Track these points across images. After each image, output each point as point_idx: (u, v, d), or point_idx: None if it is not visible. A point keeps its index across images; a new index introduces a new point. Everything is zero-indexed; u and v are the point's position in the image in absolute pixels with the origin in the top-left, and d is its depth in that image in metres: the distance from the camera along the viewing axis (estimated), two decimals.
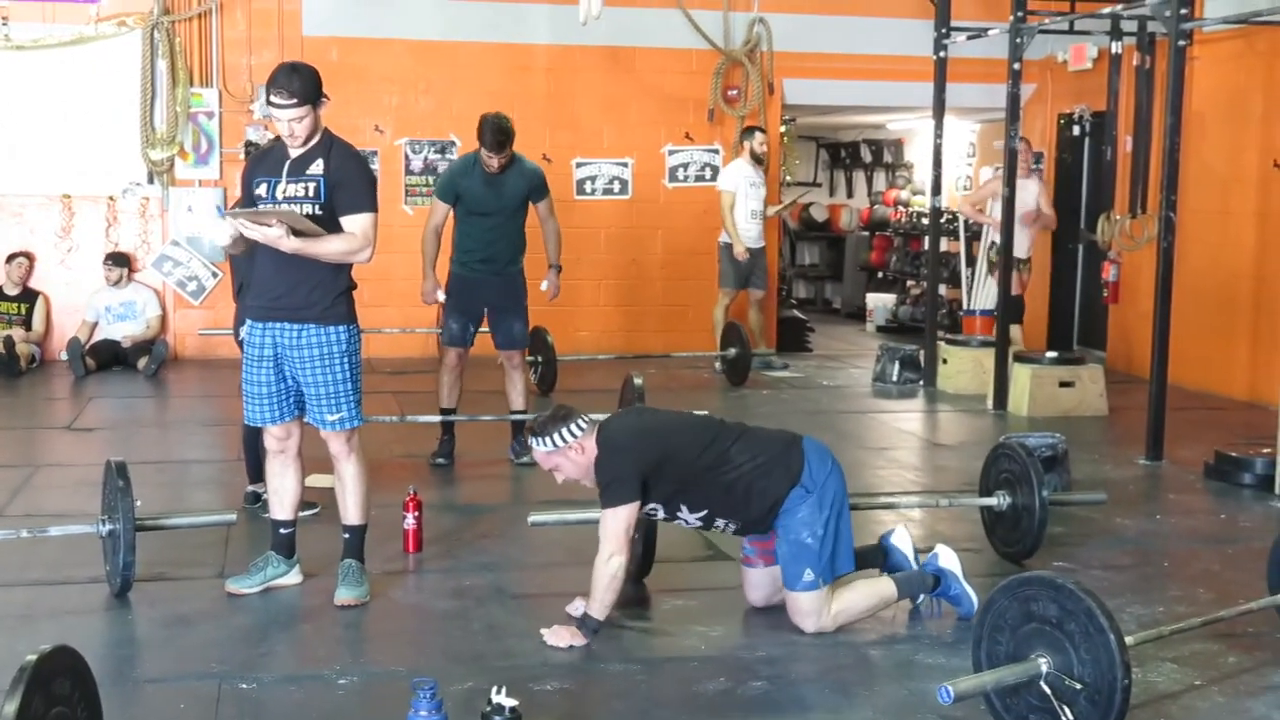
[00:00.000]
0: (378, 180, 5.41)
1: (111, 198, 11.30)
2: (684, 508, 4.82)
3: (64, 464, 7.57)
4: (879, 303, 15.11)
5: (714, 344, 10.99)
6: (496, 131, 7.34)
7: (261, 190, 5.01)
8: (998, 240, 10.09)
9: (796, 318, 13.39)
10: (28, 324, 11.00)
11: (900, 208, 15.86)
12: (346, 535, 5.22)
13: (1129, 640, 3.76)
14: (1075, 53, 11.84)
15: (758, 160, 10.97)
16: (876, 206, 16.50)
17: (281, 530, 5.26)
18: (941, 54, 10.46)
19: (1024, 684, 3.78)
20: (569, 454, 4.68)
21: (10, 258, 11.01)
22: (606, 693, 4.27)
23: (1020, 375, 9.36)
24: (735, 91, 12.24)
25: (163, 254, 11.33)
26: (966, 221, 12.54)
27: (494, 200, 7.44)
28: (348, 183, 4.98)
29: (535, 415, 4.78)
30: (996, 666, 3.86)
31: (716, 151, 12.29)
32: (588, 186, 12.10)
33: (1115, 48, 9.76)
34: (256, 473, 6.46)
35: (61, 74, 11.07)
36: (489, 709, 3.60)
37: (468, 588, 5.31)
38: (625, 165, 12.16)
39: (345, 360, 5.06)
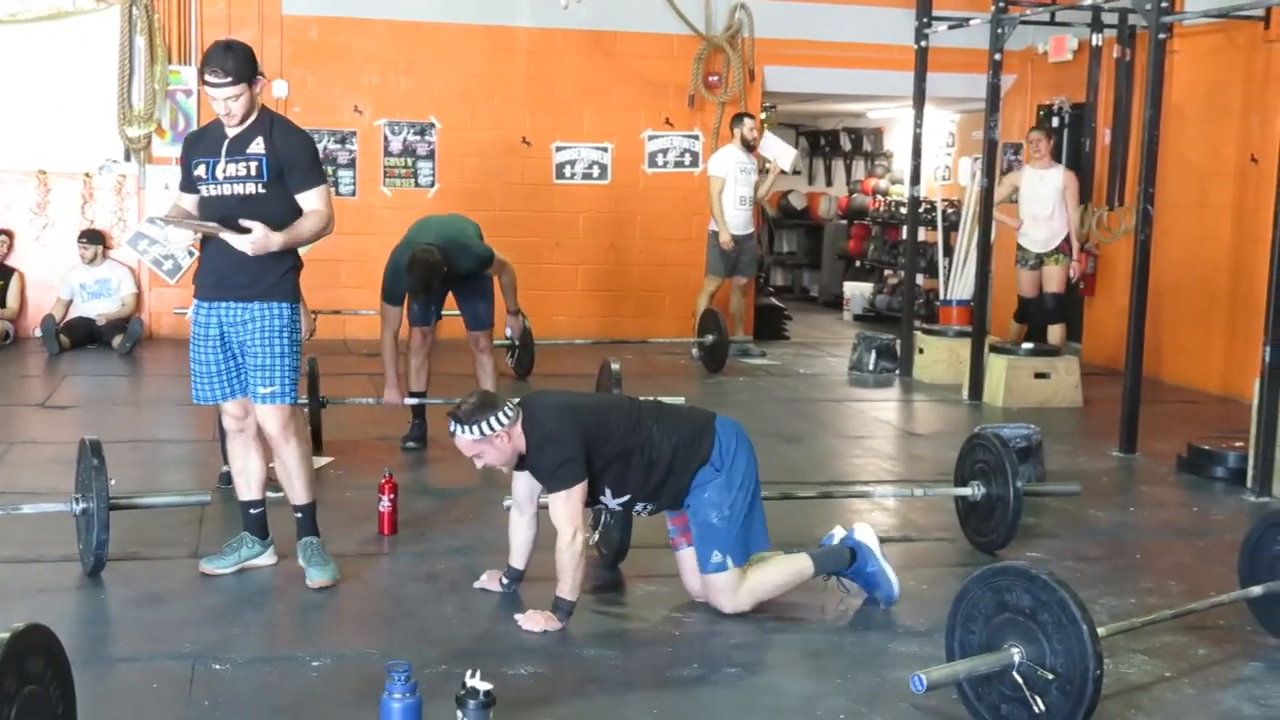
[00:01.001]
0: (319, 154, 5.37)
1: (88, 174, 11.24)
2: (608, 491, 4.80)
3: (38, 441, 7.52)
4: (856, 291, 15.14)
5: (692, 330, 10.99)
6: (424, 277, 7.12)
7: (200, 171, 4.92)
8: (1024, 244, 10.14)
9: (774, 305, 13.41)
10: (2, 301, 10.93)
11: (879, 196, 15.88)
12: (299, 515, 5.17)
13: (1101, 631, 3.79)
14: (1056, 44, 11.86)
15: (748, 146, 10.97)
16: (855, 195, 16.51)
17: (251, 511, 5.23)
18: (922, 43, 10.46)
19: (996, 674, 3.80)
20: (494, 442, 4.60)
21: None
22: (580, 677, 4.27)
23: (996, 366, 9.40)
24: (716, 78, 12.24)
25: (138, 232, 11.27)
26: (944, 211, 12.57)
27: (442, 286, 7.41)
28: (297, 161, 4.93)
29: (459, 400, 4.72)
30: (969, 656, 3.88)
31: (697, 138, 12.29)
32: (567, 171, 12.08)
33: (1096, 40, 9.80)
34: None
35: (39, 49, 10.99)
36: (463, 692, 3.60)
37: (442, 571, 5.31)
38: (605, 150, 12.14)
39: (285, 335, 5.00)
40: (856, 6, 12.26)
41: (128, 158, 11.24)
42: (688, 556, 4.94)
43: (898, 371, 10.58)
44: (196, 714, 3.90)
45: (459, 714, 3.56)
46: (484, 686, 3.59)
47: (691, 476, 4.77)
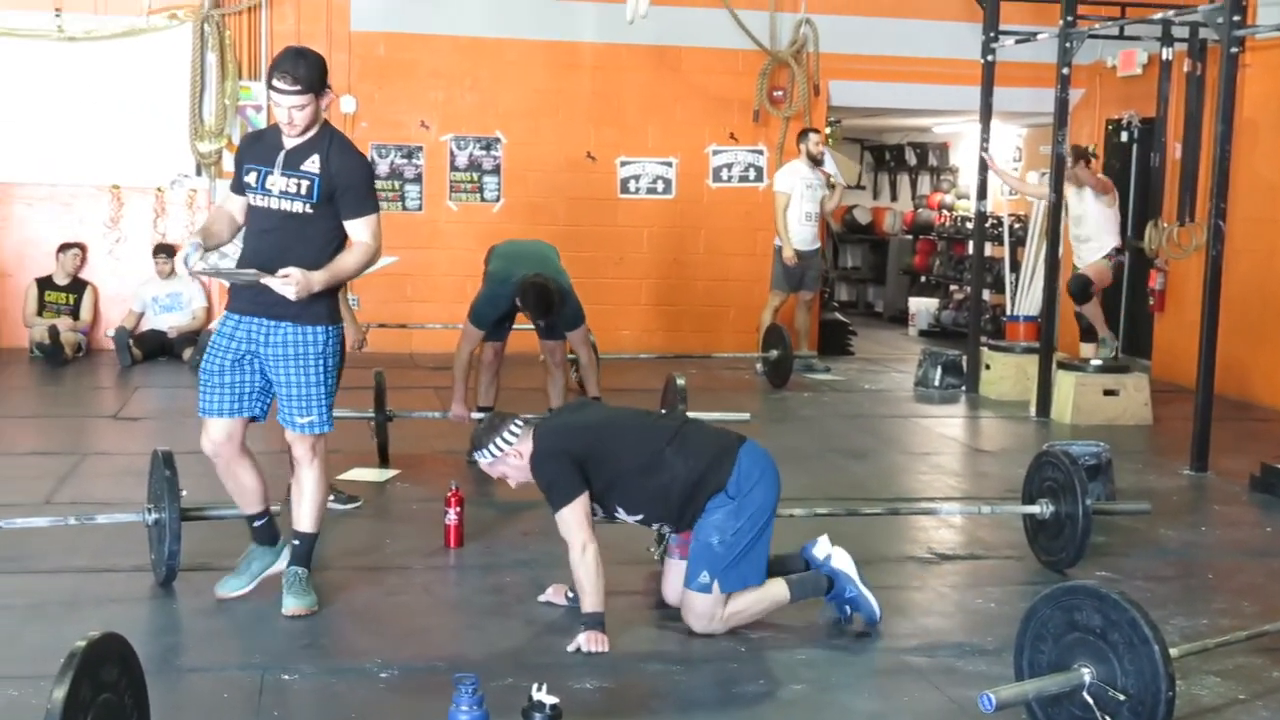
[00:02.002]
0: (375, 178, 5.28)
1: (160, 189, 11.40)
2: (620, 509, 4.81)
3: (110, 452, 7.63)
4: (921, 307, 15.06)
5: (756, 345, 10.97)
6: (540, 302, 7.22)
7: (251, 178, 4.77)
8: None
9: (839, 320, 13.36)
10: (75, 313, 11.11)
11: (944, 211, 15.79)
12: (296, 542, 4.99)
13: (1173, 652, 3.73)
14: (1124, 58, 11.75)
15: (814, 161, 10.95)
16: (920, 210, 16.43)
17: (256, 524, 5.10)
18: (989, 58, 10.39)
19: (1066, 694, 3.76)
20: (509, 459, 4.68)
21: (64, 248, 11.12)
22: (645, 691, 4.27)
23: (1064, 383, 9.31)
24: (781, 93, 12.23)
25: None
26: (1011, 226, 12.49)
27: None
28: (353, 185, 4.78)
29: (476, 426, 4.78)
30: (1039, 675, 3.84)
31: (761, 152, 12.28)
32: (631, 185, 12.11)
33: (1166, 54, 9.67)
34: None
35: (113, 66, 11.18)
36: (529, 705, 3.61)
37: (507, 584, 5.32)
38: (669, 165, 12.16)
39: (321, 362, 4.84)
40: (922, 21, 12.22)
41: (199, 172, 11.40)
42: (677, 566, 4.90)
43: (964, 388, 10.51)
44: None
45: None
46: (550, 700, 3.61)
47: (705, 501, 4.73)
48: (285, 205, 4.75)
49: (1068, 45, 9.16)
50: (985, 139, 10.58)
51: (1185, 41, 9.98)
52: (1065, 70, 9.17)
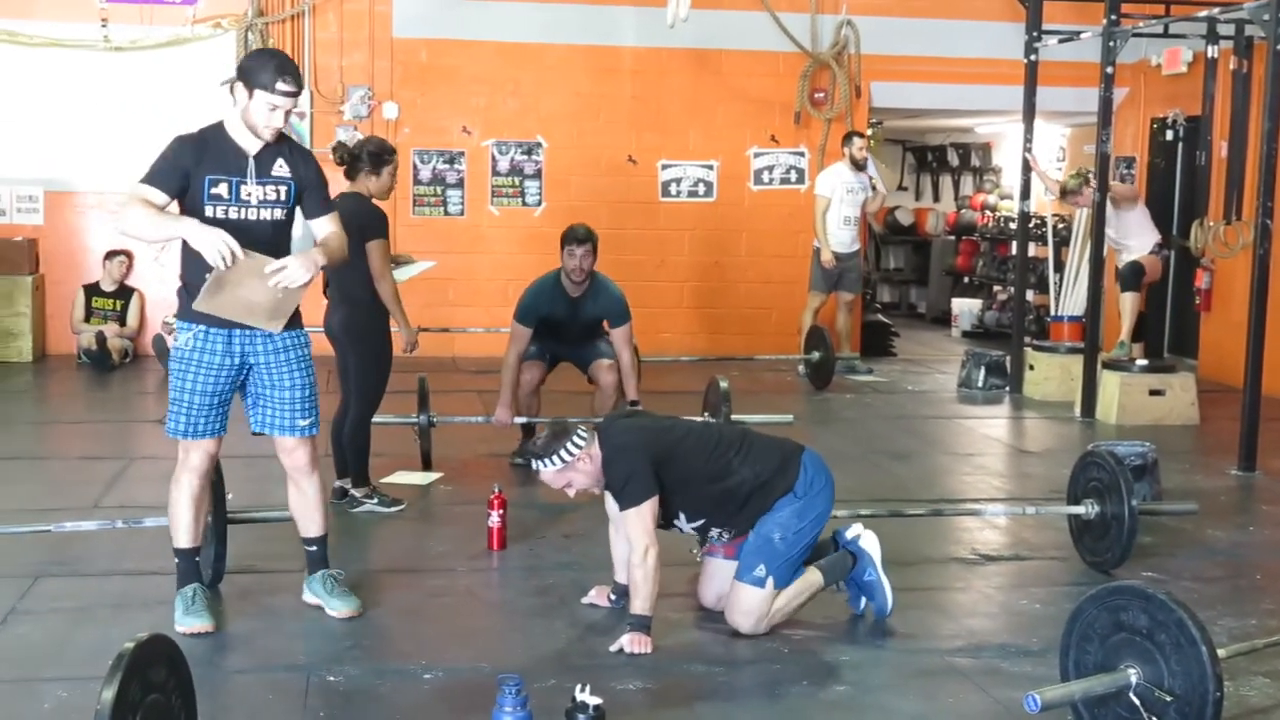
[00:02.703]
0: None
1: None
2: (682, 515, 4.83)
3: (157, 457, 7.66)
4: (964, 308, 14.99)
5: (798, 347, 10.95)
6: (583, 229, 7.34)
7: (221, 190, 4.59)
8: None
9: (881, 322, 13.32)
10: (122, 320, 11.21)
11: (987, 212, 15.70)
12: (314, 548, 4.98)
13: (1221, 653, 3.69)
14: (1169, 56, 11.67)
15: (857, 165, 10.93)
16: (963, 211, 16.35)
17: (198, 559, 4.92)
18: (1032, 57, 10.35)
19: (1112, 695, 3.73)
20: (578, 466, 4.67)
21: (110, 255, 11.23)
22: (688, 693, 4.27)
23: (1109, 383, 9.24)
24: (822, 94, 12.21)
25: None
26: (1055, 226, 12.40)
27: (572, 322, 7.46)
28: (318, 184, 4.80)
29: (533, 440, 4.77)
30: (1084, 676, 3.81)
31: (802, 154, 12.26)
32: (673, 189, 12.12)
33: (1211, 51, 9.58)
34: (343, 468, 6.56)
35: (158, 75, 11.29)
36: (572, 706, 3.63)
37: (551, 585, 5.34)
38: (710, 168, 12.16)
39: (311, 364, 4.87)
40: (964, 21, 12.17)
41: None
42: (721, 565, 4.93)
43: (1007, 389, 10.45)
44: None
45: None
46: (594, 701, 3.62)
47: (773, 502, 4.77)
48: (266, 214, 4.69)
49: (1111, 44, 9.10)
50: (1028, 139, 10.54)
51: (1231, 39, 9.89)
52: (1109, 69, 9.11)
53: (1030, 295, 12.90)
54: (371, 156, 6.47)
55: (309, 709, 4.06)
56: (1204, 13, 9.30)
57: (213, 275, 4.50)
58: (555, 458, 4.64)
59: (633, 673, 4.37)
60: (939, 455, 8.32)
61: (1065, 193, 10.01)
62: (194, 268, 4.61)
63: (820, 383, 10.41)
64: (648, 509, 4.62)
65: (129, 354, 11.10)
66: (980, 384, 10.56)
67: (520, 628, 4.90)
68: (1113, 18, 9.09)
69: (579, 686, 3.62)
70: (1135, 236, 9.63)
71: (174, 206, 4.66)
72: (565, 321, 7.44)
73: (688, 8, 10.05)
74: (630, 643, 4.54)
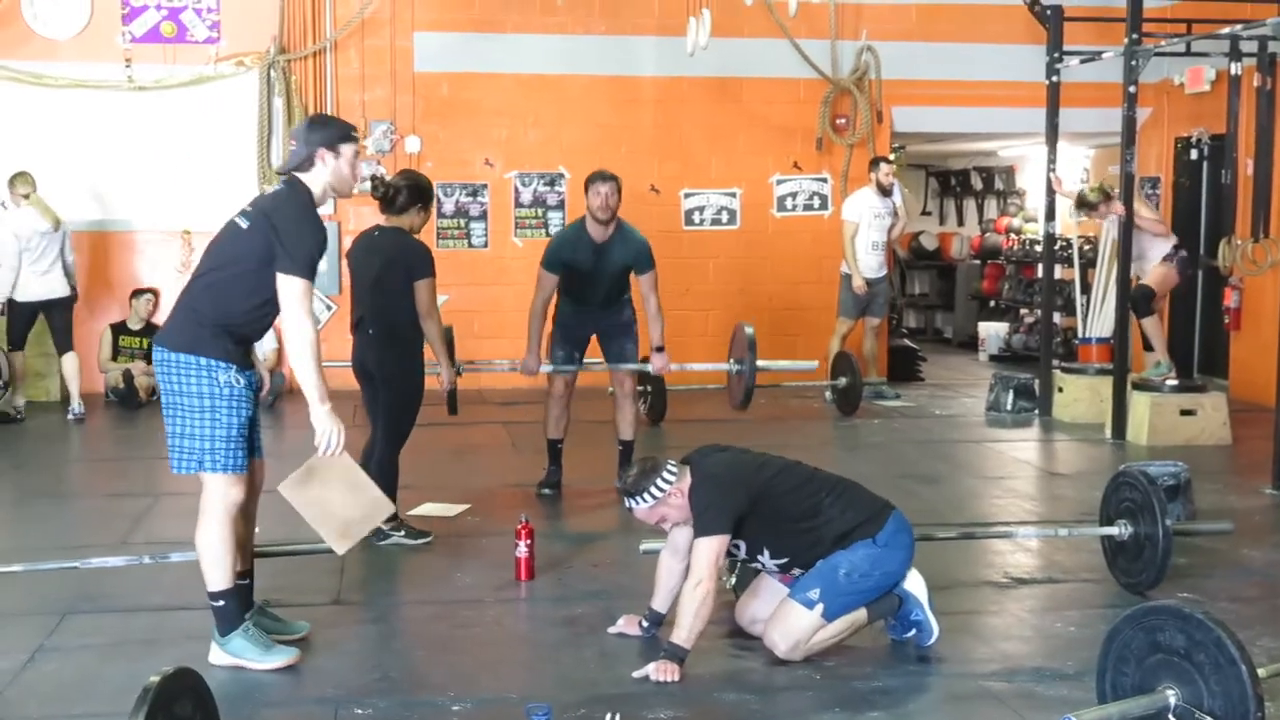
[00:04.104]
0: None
1: None
2: (766, 551, 4.81)
3: (185, 493, 7.63)
4: (991, 331, 14.91)
5: (825, 373, 10.90)
6: (602, 176, 7.45)
7: None
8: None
9: (908, 347, 13.26)
10: (149, 358, 11.22)
11: (1012, 235, 15.64)
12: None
13: (1261, 673, 3.62)
14: (1192, 75, 11.62)
15: (883, 191, 10.91)
16: (988, 234, 16.29)
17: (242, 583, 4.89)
18: (1054, 78, 10.32)
19: (1151, 717, 3.67)
20: (670, 500, 4.67)
21: (137, 293, 11.27)
22: None
23: (1139, 403, 9.17)
24: (844, 120, 12.20)
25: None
26: (1081, 248, 12.34)
27: (598, 270, 7.42)
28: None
29: (622, 475, 4.75)
30: (1122, 699, 3.75)
31: (825, 180, 12.25)
32: (696, 217, 12.11)
33: (1234, 69, 9.52)
34: None
35: (182, 113, 11.35)
36: None
37: (580, 615, 5.30)
38: (733, 195, 12.15)
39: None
40: (985, 45, 12.13)
41: None
42: (771, 585, 4.91)
43: (1036, 411, 10.39)
44: None
45: None
46: None
47: (850, 544, 4.75)
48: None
49: (1134, 63, 9.06)
50: (1052, 161, 10.51)
51: (1254, 56, 9.85)
52: (1132, 88, 9.07)
53: (1057, 318, 12.84)
54: (422, 192, 6.46)
55: None
56: (1226, 30, 9.23)
57: (308, 462, 4.66)
58: (647, 495, 4.64)
59: (663, 701, 4.32)
60: (969, 479, 8.26)
61: (1082, 204, 9.88)
62: (227, 306, 4.63)
63: (847, 409, 10.36)
64: (716, 544, 4.59)
65: (155, 393, 11.11)
66: (1009, 407, 10.49)
67: (549, 658, 4.87)
68: (1134, 36, 9.06)
69: (610, 715, 3.58)
70: (1151, 246, 9.51)
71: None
72: (592, 271, 7.38)
73: (708, 35, 10.06)
74: (657, 670, 4.50)
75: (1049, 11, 10.41)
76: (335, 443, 4.60)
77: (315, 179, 4.73)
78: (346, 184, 4.79)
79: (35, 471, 8.49)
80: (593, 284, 7.46)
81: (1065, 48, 10.33)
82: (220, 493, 4.70)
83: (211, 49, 11.36)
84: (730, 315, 12.15)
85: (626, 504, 4.71)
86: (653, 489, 4.63)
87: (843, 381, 10.41)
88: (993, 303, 15.90)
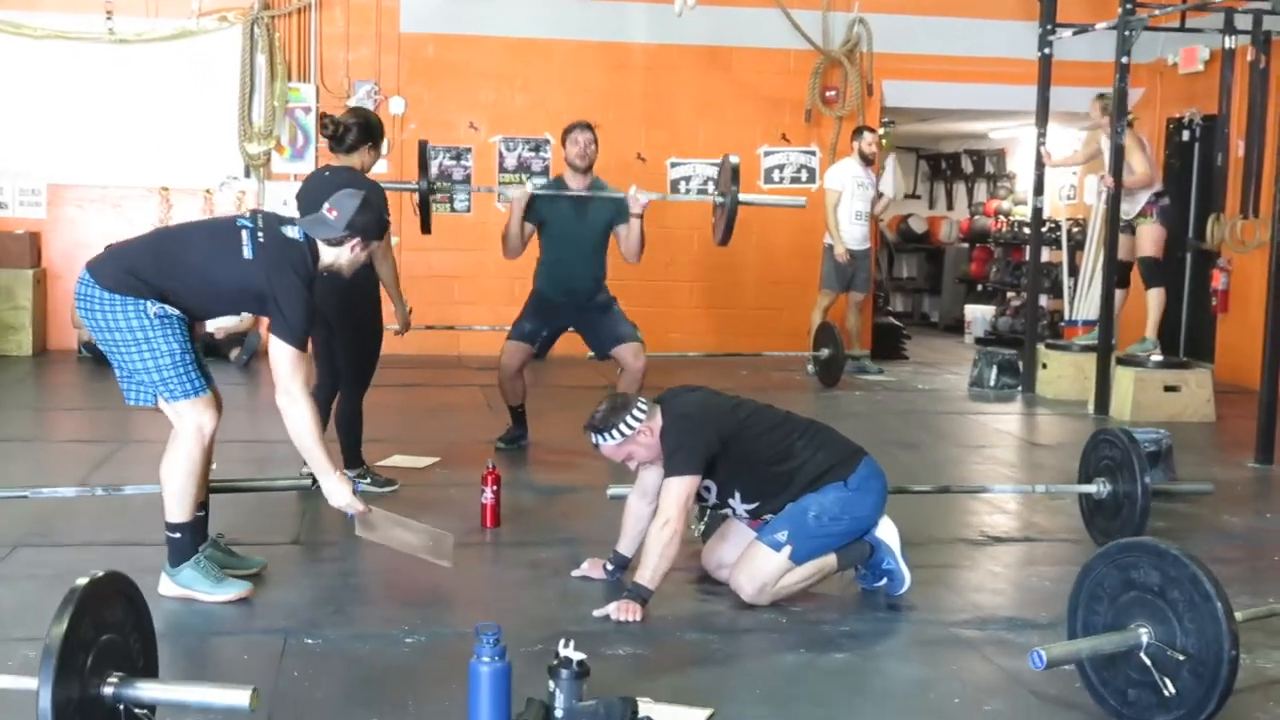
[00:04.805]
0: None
1: (208, 190, 11.36)
2: (738, 494, 4.70)
3: (151, 440, 7.49)
4: (978, 314, 14.79)
5: (808, 346, 10.78)
6: (580, 125, 7.39)
7: None
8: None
9: (892, 325, 13.14)
10: None
11: (1001, 217, 15.53)
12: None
13: (1237, 617, 3.51)
14: (1186, 55, 11.50)
15: (866, 160, 10.79)
16: (977, 217, 16.17)
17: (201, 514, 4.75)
18: (1046, 50, 10.21)
19: (1123, 656, 3.55)
20: (639, 439, 4.55)
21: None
22: (681, 659, 4.10)
23: (1123, 379, 9.06)
24: (834, 93, 12.06)
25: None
26: (1069, 230, 12.23)
27: (579, 227, 7.31)
28: None
29: (593, 411, 4.62)
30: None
31: (813, 153, 12.11)
32: (682, 186, 11.97)
33: (1229, 43, 9.42)
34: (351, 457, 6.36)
35: (163, 67, 11.18)
36: (556, 662, 3.46)
37: (544, 559, 5.18)
38: (720, 166, 11.98)
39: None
40: (977, 20, 12.01)
41: (247, 174, 11.36)
42: (739, 529, 4.80)
43: (1020, 388, 10.27)
44: (285, 683, 3.80)
45: (551, 684, 3.42)
46: (578, 656, 3.45)
47: (820, 487, 4.63)
48: None
49: (1127, 34, 8.93)
50: (1042, 135, 10.41)
51: (1249, 34, 9.75)
52: (1124, 59, 8.93)
53: (1044, 300, 12.73)
54: (372, 130, 6.27)
55: (283, 669, 3.90)
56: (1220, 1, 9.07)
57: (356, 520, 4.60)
58: (615, 431, 4.52)
59: (623, 639, 4.21)
60: (949, 447, 8.15)
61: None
62: (174, 289, 4.46)
63: (829, 380, 10.23)
64: (686, 483, 4.47)
65: None
66: (992, 383, 10.37)
67: (508, 597, 4.74)
68: (1128, 6, 8.92)
69: (562, 642, 3.45)
70: (1135, 192, 9.33)
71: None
72: (572, 228, 7.25)
73: None
74: (619, 609, 4.38)
75: None
76: (358, 509, 4.52)
77: (332, 254, 4.61)
78: (352, 269, 4.70)
79: None
80: (573, 244, 7.31)
81: (1058, 22, 10.20)
82: (191, 420, 4.54)
83: (194, 3, 11.18)
84: (714, 288, 12.08)
85: (593, 439, 4.57)
86: (621, 426, 4.51)
87: (825, 353, 10.28)
88: (980, 286, 15.78)
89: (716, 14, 11.44)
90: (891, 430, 8.43)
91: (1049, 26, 10.16)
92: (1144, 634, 3.52)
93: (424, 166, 7.48)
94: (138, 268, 4.46)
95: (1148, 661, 3.49)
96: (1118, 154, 9.05)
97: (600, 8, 11.67)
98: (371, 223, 4.62)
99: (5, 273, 10.90)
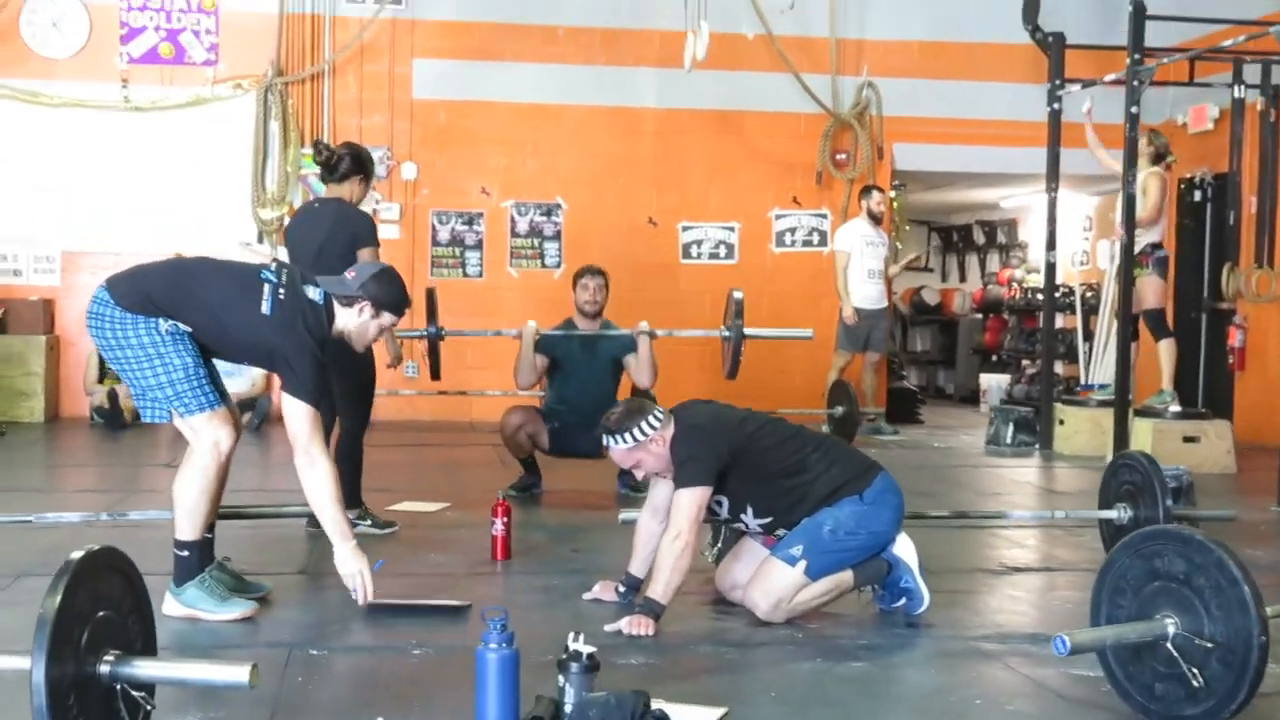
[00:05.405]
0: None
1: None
2: (749, 509, 4.62)
3: (158, 490, 7.45)
4: (993, 383, 14.69)
5: (822, 407, 10.69)
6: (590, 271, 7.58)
7: None
8: None
9: (907, 389, 13.07)
10: None
11: (1015, 285, 15.51)
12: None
13: (1268, 610, 3.40)
14: (1195, 114, 11.53)
15: (875, 219, 10.80)
16: (990, 287, 16.16)
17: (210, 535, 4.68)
18: (1055, 106, 10.23)
19: (1149, 648, 3.45)
20: (650, 447, 4.50)
21: None
22: (694, 668, 4.00)
23: (1141, 430, 8.96)
24: (844, 155, 12.10)
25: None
26: (1084, 296, 12.19)
27: (588, 364, 7.41)
28: None
29: (609, 412, 4.57)
30: None
31: (825, 216, 12.12)
32: (693, 250, 11.98)
33: (1238, 91, 9.42)
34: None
35: (177, 135, 11.26)
36: (565, 656, 3.37)
37: (555, 585, 5.09)
38: (731, 229, 12.03)
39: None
40: (987, 83, 12.07)
41: (260, 239, 11.40)
42: (754, 548, 4.72)
43: (1037, 445, 10.17)
44: (289, 689, 3.71)
45: (560, 679, 3.34)
46: (587, 649, 3.36)
47: (835, 500, 4.55)
48: None
49: (1136, 84, 8.95)
50: (1053, 188, 10.42)
51: (1258, 87, 9.76)
52: (1134, 109, 8.94)
53: (1059, 367, 12.66)
54: (364, 162, 6.27)
55: (287, 677, 3.81)
56: (1229, 41, 9.05)
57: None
58: (629, 435, 4.47)
59: (635, 650, 4.12)
60: (966, 494, 8.04)
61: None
62: (188, 320, 4.44)
63: (844, 438, 10.12)
64: (697, 495, 4.40)
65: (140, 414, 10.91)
66: (1009, 440, 10.28)
67: (519, 618, 4.52)
68: (1136, 56, 8.94)
69: (572, 636, 3.36)
70: (1146, 227, 9.25)
71: None
72: (580, 365, 7.35)
73: (705, 49, 9.97)
74: (630, 624, 4.28)
75: (1050, 39, 10.34)
76: (364, 590, 4.45)
77: (344, 316, 4.62)
78: (361, 341, 4.73)
79: (7, 473, 8.27)
80: (581, 381, 7.40)
81: (1066, 78, 10.24)
82: (207, 435, 4.49)
83: (209, 71, 11.31)
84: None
85: (604, 441, 4.52)
86: (636, 430, 4.45)
87: (839, 410, 10.19)
88: (995, 356, 15.72)
89: (726, 78, 11.53)
90: (907, 481, 8.11)
91: (1057, 81, 10.20)
92: (1170, 624, 3.41)
93: (432, 312, 7.44)
94: (154, 295, 4.46)
95: (1174, 652, 3.39)
96: (1129, 204, 9.02)
97: (610, 73, 11.76)
98: (384, 292, 4.63)
99: (18, 339, 10.90)
